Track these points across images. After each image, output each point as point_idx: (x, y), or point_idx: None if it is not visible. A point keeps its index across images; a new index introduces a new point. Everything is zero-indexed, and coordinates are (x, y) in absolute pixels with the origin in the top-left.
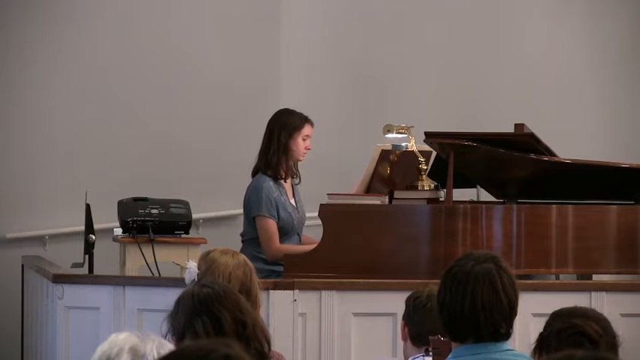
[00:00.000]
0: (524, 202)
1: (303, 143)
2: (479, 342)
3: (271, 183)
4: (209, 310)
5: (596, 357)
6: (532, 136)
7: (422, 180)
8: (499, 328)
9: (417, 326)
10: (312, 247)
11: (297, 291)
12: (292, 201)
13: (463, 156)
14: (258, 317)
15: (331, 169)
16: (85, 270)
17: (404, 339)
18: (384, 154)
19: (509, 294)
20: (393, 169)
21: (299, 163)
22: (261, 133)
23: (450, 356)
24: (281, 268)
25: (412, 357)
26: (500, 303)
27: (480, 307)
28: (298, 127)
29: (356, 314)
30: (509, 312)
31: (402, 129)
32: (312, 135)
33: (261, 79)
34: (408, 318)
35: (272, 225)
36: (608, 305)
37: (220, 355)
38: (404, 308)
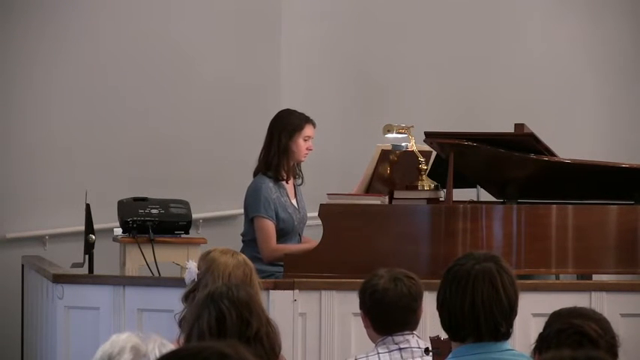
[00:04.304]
0: (524, 202)
1: (304, 144)
2: (479, 341)
3: (271, 184)
4: (216, 303)
5: (586, 356)
6: (532, 136)
7: (422, 180)
8: (499, 328)
9: (377, 319)
10: (310, 245)
11: (297, 291)
12: (294, 201)
13: (463, 156)
14: (269, 326)
15: (331, 169)
16: (85, 270)
17: (367, 327)
18: (384, 154)
19: (509, 293)
20: (393, 169)
21: (301, 163)
22: (261, 132)
23: (450, 356)
24: (281, 269)
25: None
26: (501, 302)
27: (480, 306)
28: (299, 128)
29: (356, 314)
30: (510, 311)
31: (402, 129)
32: (314, 135)
33: (261, 78)
34: (367, 311)
35: (269, 226)
36: (608, 305)
37: (215, 352)
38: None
